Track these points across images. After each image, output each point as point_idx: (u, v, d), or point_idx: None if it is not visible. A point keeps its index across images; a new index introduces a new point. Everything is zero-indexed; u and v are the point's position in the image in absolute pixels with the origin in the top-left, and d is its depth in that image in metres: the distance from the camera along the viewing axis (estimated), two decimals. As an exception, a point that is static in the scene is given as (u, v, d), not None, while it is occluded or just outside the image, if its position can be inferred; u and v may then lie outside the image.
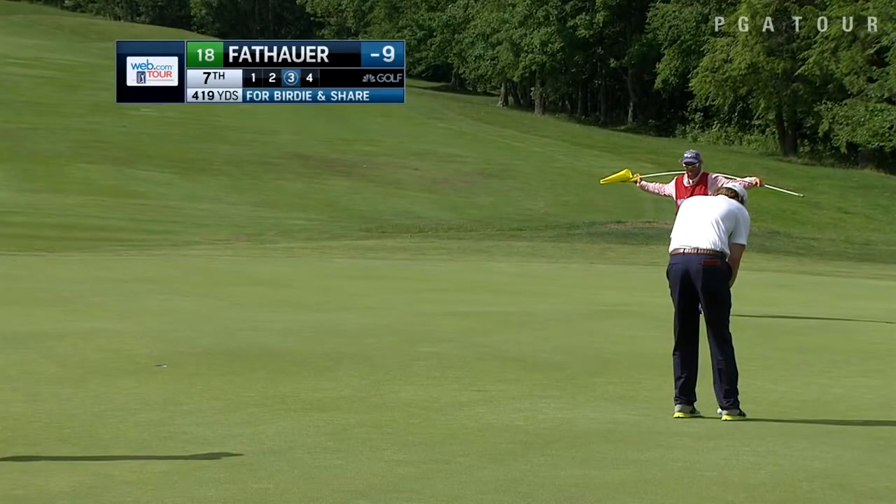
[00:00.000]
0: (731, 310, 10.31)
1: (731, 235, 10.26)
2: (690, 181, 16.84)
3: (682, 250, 10.22)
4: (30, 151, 49.50)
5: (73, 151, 50.32)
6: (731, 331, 10.23)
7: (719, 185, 16.51)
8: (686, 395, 10.17)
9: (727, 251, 10.21)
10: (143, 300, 17.37)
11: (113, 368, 11.67)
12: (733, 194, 10.52)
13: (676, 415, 10.12)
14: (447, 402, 10.46)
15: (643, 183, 17.60)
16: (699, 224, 10.24)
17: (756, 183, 16.77)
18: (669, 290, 10.32)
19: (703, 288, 10.11)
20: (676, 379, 10.19)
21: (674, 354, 10.27)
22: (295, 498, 7.19)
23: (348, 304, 17.48)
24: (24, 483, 7.48)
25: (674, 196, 17.01)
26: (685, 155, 17.06)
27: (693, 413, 10.15)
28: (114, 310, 16.12)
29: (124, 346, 12.78)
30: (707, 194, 16.52)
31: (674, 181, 17.13)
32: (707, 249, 10.12)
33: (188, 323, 14.79)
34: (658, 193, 17.56)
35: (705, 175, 16.85)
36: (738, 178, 16.65)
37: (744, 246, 10.36)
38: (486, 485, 7.56)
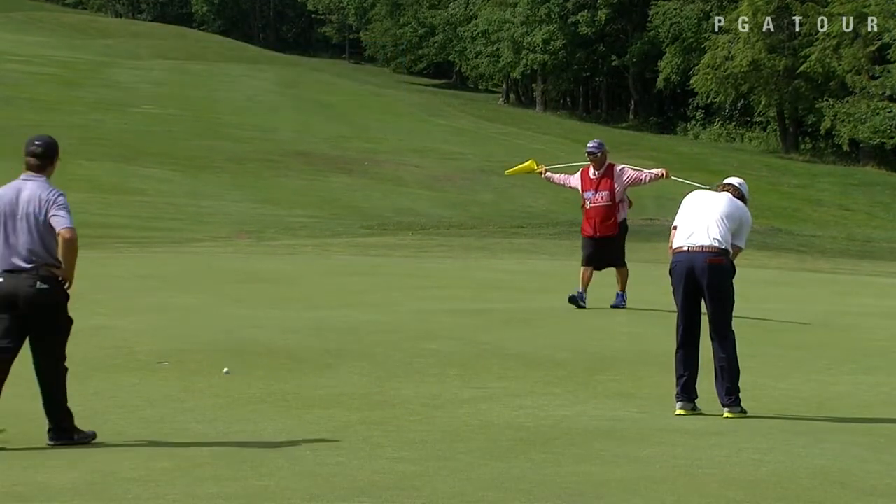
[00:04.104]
0: (734, 307, 10.31)
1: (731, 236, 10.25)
2: (596, 172, 16.50)
3: (686, 248, 10.19)
4: (31, 149, 49.41)
5: (75, 149, 50.19)
6: (733, 328, 10.23)
7: (625, 177, 16.36)
8: (687, 392, 10.16)
9: (730, 248, 10.19)
10: (145, 297, 17.35)
11: (114, 365, 11.67)
12: (738, 193, 10.47)
13: (678, 412, 10.12)
14: (448, 400, 10.46)
15: (548, 174, 17.18)
16: (703, 221, 10.19)
17: (662, 174, 16.49)
18: (672, 288, 10.29)
19: (708, 286, 10.08)
20: (678, 377, 10.18)
21: (676, 353, 10.25)
22: (296, 495, 7.19)
23: (349, 302, 17.46)
24: (25, 479, 7.48)
25: (579, 188, 16.67)
26: (588, 145, 16.63)
27: (694, 410, 10.15)
28: (115, 307, 16.11)
29: (126, 343, 12.77)
30: (613, 186, 16.34)
31: (579, 172, 16.76)
32: (712, 247, 10.10)
33: (189, 320, 14.78)
34: (564, 185, 17.15)
35: (611, 166, 16.51)
36: (645, 170, 16.47)
37: (741, 249, 10.34)
38: (487, 482, 7.56)
